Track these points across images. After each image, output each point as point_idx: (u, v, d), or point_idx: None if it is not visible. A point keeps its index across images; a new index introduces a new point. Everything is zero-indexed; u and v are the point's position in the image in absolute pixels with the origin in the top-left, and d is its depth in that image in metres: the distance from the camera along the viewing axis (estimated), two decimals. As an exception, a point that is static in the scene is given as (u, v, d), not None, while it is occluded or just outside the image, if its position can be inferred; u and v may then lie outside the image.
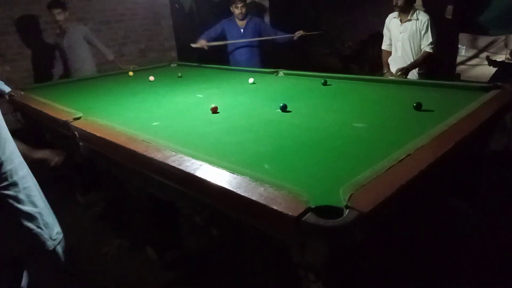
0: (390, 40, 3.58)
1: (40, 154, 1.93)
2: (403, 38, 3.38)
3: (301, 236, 1.10)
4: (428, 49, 3.25)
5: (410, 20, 3.29)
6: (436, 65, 3.76)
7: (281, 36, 3.44)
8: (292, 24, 6.85)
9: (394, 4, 3.29)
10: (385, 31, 3.60)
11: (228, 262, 2.27)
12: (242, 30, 3.82)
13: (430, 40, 3.22)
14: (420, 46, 3.33)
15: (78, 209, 2.97)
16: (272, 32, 3.73)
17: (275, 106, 2.37)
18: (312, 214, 1.09)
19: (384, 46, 3.66)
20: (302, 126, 2.05)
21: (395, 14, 3.40)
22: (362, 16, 3.95)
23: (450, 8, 3.50)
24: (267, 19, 4.93)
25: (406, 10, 3.28)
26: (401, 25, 3.37)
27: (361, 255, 1.35)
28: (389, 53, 3.63)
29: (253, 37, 3.75)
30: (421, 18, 3.25)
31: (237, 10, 3.74)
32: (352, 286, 1.38)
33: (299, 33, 3.26)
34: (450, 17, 3.57)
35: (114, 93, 3.28)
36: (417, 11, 3.29)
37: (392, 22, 3.46)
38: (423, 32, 3.25)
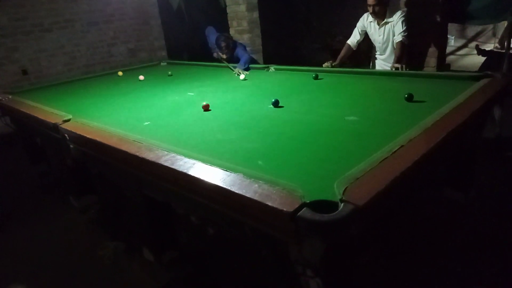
0: (359, 38, 3.57)
1: None
2: (384, 40, 3.41)
3: (297, 232, 1.10)
4: (398, 39, 3.24)
5: (386, 23, 3.32)
6: (425, 56, 3.78)
7: (241, 62, 3.74)
8: (282, 20, 6.87)
9: (371, 11, 3.30)
10: (358, 29, 3.57)
11: (226, 261, 2.26)
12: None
13: (401, 30, 3.22)
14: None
15: (72, 213, 2.94)
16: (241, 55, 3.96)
17: (267, 102, 2.36)
18: (307, 209, 1.08)
19: (350, 41, 3.64)
20: (294, 121, 2.04)
21: (371, 18, 3.41)
22: (352, 10, 3.96)
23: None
24: (257, 32, 5.15)
25: (382, 14, 3.30)
26: (379, 29, 3.39)
27: (358, 250, 1.35)
28: (351, 49, 3.63)
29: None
30: (394, 17, 3.27)
31: (224, 55, 4.01)
32: (350, 281, 1.38)
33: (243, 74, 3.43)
34: (439, 7, 3.58)
35: (103, 94, 3.25)
36: (391, 13, 3.30)
37: (370, 25, 3.46)
38: (395, 26, 3.26)
